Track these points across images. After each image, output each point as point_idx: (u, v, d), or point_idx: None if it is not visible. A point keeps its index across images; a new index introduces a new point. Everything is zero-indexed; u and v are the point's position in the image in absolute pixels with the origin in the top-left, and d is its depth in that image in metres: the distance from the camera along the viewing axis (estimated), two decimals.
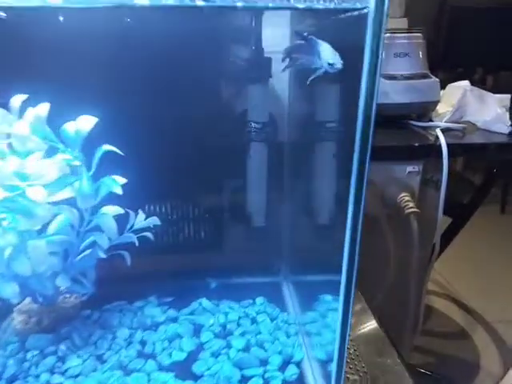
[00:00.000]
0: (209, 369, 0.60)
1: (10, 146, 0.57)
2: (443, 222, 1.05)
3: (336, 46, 0.51)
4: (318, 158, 0.76)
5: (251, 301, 0.76)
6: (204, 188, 0.78)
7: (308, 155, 0.78)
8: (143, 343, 0.66)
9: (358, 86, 0.37)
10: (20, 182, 0.54)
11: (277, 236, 0.83)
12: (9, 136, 0.56)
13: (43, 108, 0.54)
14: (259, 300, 0.76)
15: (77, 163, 0.58)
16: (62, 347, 0.63)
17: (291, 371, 0.59)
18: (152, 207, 0.76)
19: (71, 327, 0.67)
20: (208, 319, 0.71)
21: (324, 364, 0.61)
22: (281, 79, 0.77)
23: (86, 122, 0.57)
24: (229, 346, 0.65)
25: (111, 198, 0.65)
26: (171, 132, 0.72)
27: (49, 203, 0.58)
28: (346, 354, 0.48)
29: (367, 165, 0.40)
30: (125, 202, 0.67)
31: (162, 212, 0.77)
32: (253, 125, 0.76)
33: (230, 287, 0.82)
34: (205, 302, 0.74)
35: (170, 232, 0.78)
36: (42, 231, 0.62)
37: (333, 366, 0.50)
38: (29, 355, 0.61)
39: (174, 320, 0.71)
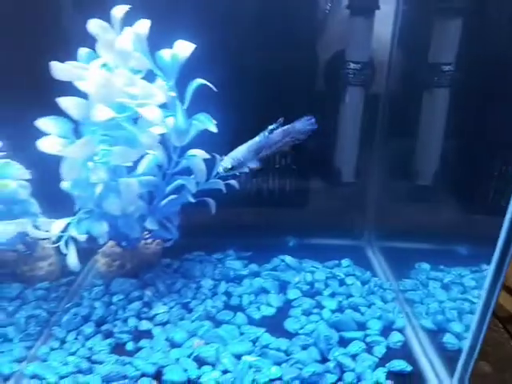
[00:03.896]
0: (302, 327, 0.55)
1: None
2: None
3: None
4: (425, 109, 0.67)
5: (336, 261, 0.70)
6: None
7: (412, 106, 0.69)
8: (228, 295, 0.62)
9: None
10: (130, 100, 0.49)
11: (366, 195, 0.75)
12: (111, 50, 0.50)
13: (143, 25, 0.47)
14: (345, 262, 0.70)
15: (172, 94, 0.53)
16: (148, 293, 0.60)
17: (396, 338, 0.54)
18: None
19: (154, 274, 0.64)
20: (293, 276, 0.66)
21: (433, 334, 0.55)
22: (386, 13, 0.67)
23: (183, 48, 0.51)
24: (320, 306, 0.60)
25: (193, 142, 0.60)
26: (264, 72, 0.65)
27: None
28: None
29: None
30: (209, 147, 0.62)
31: None
32: (351, 65, 0.67)
33: (308, 247, 0.76)
34: (288, 258, 0.70)
35: (254, 182, 0.73)
36: (131, 170, 0.58)
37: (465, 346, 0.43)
38: (114, 299, 0.59)
39: (257, 274, 0.67)
